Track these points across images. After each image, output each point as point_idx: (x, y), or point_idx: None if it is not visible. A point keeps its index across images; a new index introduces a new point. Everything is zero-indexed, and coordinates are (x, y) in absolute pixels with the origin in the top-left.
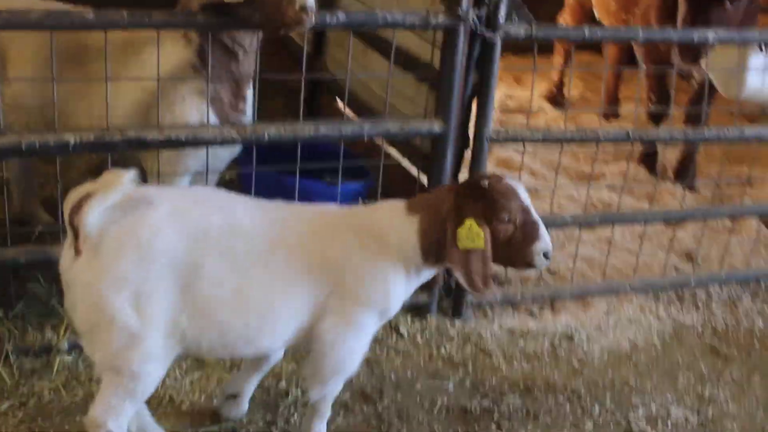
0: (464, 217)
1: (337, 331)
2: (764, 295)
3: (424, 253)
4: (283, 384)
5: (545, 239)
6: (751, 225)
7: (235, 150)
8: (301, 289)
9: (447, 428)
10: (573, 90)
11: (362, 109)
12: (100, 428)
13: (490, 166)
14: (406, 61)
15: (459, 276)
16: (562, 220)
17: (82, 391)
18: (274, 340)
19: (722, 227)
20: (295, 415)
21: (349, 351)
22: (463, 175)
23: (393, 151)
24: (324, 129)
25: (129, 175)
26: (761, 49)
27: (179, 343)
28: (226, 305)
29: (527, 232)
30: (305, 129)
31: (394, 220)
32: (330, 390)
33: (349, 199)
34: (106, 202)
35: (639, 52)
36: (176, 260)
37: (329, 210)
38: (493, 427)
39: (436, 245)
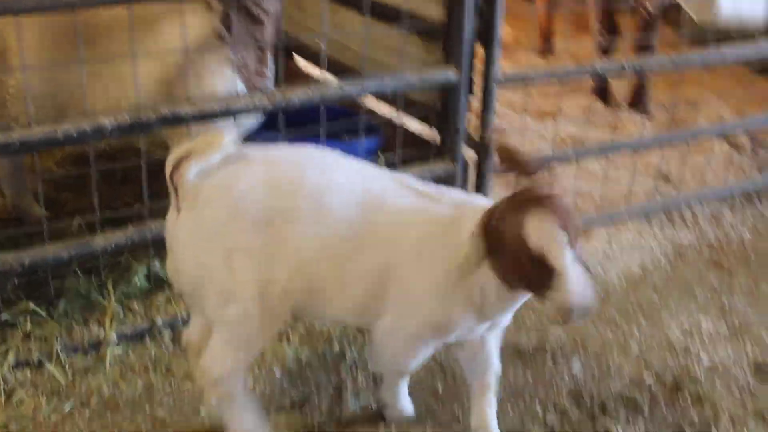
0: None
1: (387, 337)
2: (740, 207)
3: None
4: (336, 347)
5: (567, 292)
6: (713, 144)
7: (259, 118)
8: (378, 261)
9: (507, 366)
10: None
11: (336, 68)
12: (207, 377)
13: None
14: (383, 14)
15: None
16: (564, 154)
17: (141, 381)
18: (345, 305)
19: (686, 148)
20: (360, 374)
21: (396, 357)
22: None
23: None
24: (348, 88)
25: (229, 135)
26: None
27: (279, 302)
28: (314, 262)
29: (541, 276)
30: (331, 90)
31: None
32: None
33: (366, 154)
34: (205, 160)
35: None
36: (268, 216)
37: (429, 192)
38: (550, 362)
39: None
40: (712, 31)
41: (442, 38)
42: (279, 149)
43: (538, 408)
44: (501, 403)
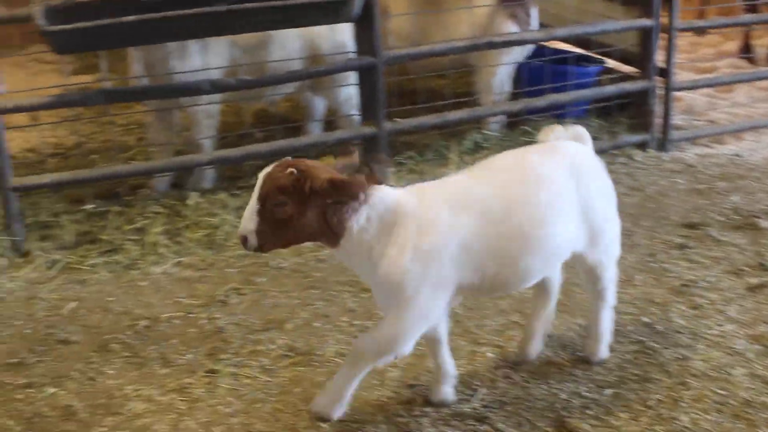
0: None
1: None
2: None
3: None
4: None
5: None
6: None
7: (528, 49)
8: None
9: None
10: None
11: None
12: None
13: None
14: None
15: None
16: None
17: None
18: None
19: None
20: None
21: None
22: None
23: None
24: (586, 29)
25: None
26: None
27: None
28: None
29: None
30: (577, 29)
31: None
32: None
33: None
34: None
35: None
36: None
37: None
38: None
39: None
40: None
41: (640, 1)
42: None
43: None
44: None
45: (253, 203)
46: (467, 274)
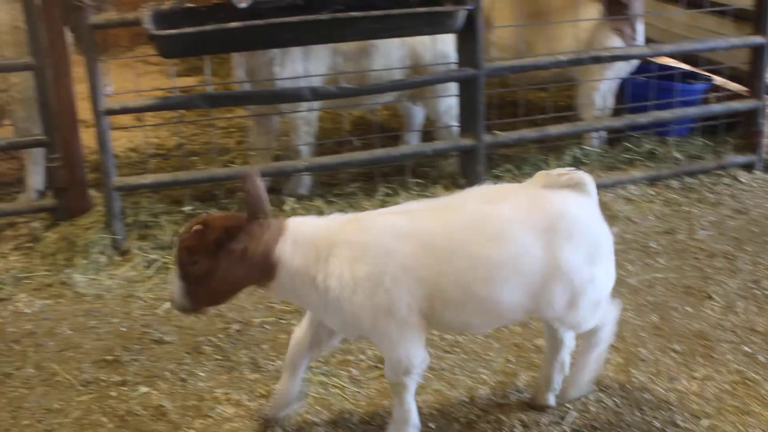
0: None
1: None
2: None
3: None
4: None
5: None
6: None
7: (633, 64)
8: None
9: None
10: None
11: None
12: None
13: None
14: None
15: None
16: None
17: None
18: None
19: None
20: None
21: None
22: None
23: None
24: (696, 45)
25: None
26: None
27: None
28: None
29: None
30: (684, 45)
31: None
32: None
33: (700, 93)
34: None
35: None
36: None
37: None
38: None
39: None
40: None
41: (752, 17)
42: None
43: None
44: None
45: (174, 269)
46: (419, 300)
